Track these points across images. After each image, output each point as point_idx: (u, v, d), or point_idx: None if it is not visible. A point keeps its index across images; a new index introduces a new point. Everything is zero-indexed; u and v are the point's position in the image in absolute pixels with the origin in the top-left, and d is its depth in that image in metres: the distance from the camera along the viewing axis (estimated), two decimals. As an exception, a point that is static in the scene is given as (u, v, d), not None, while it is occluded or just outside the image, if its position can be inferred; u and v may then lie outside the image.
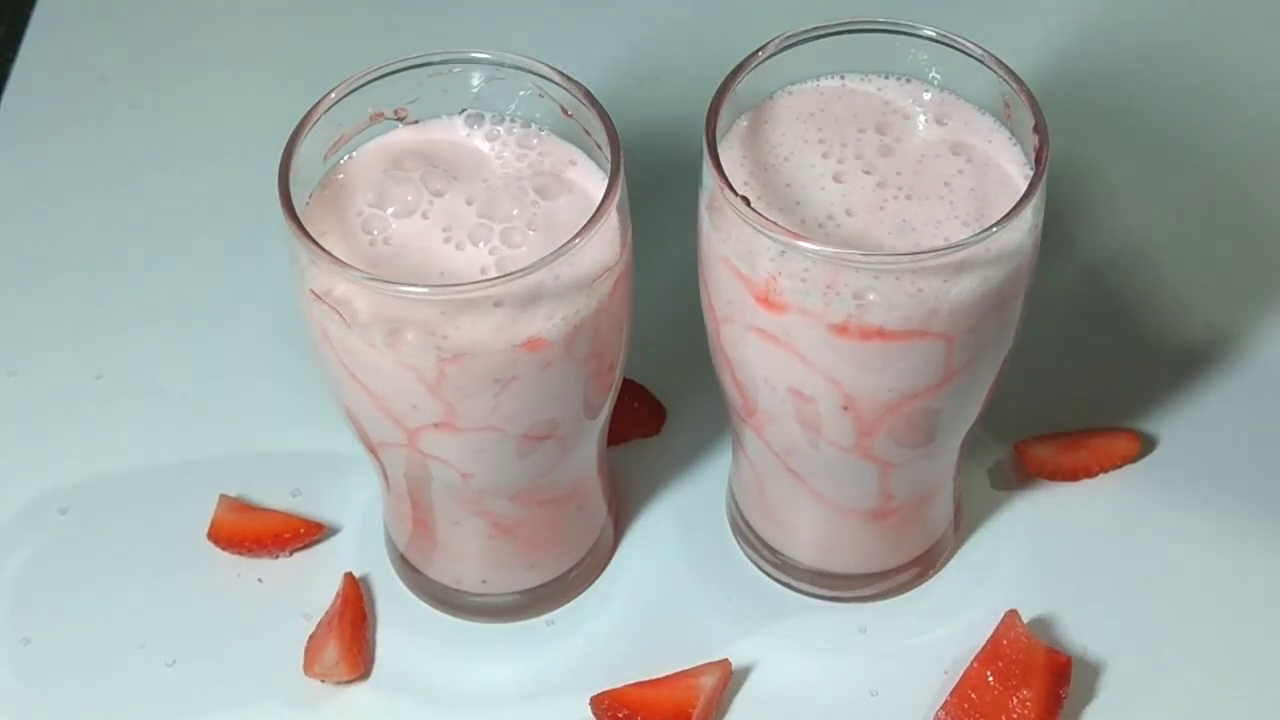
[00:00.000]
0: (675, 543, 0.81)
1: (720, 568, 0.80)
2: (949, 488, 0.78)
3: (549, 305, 0.65)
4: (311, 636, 0.77)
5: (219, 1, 1.09)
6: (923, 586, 0.79)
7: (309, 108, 0.68)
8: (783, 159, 0.69)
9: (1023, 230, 0.65)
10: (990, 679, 0.73)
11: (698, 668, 0.75)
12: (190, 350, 0.89)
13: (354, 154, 0.70)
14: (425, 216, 0.68)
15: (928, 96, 0.70)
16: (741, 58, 0.68)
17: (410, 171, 0.69)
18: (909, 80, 0.71)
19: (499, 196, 0.69)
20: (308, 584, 0.79)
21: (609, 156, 0.66)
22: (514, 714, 0.75)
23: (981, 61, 0.68)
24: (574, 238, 0.63)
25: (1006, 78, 0.67)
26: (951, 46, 0.69)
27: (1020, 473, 0.83)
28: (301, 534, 0.80)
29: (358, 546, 0.81)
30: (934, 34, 0.69)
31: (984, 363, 0.69)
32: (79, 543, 0.81)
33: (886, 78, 0.71)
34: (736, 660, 0.76)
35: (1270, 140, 0.97)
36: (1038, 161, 0.66)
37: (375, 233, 0.68)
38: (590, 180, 0.69)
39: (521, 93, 0.71)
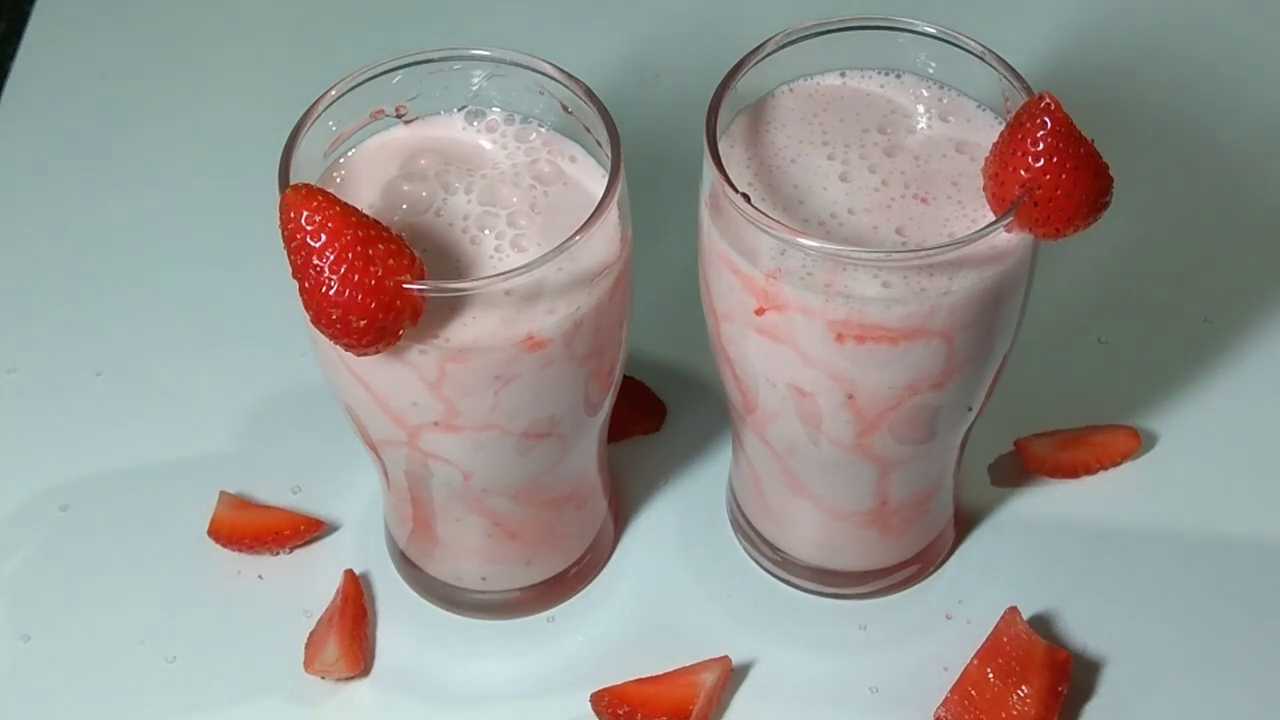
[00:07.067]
0: (675, 539, 0.81)
1: (720, 564, 0.80)
2: (949, 485, 0.77)
3: (549, 303, 0.65)
4: (312, 633, 0.77)
5: (219, -3, 1.10)
6: (923, 583, 0.79)
7: (309, 105, 0.68)
8: (789, 160, 0.69)
9: (1023, 228, 0.65)
10: (990, 676, 0.73)
11: (698, 664, 0.75)
12: (190, 347, 0.89)
13: (354, 151, 0.70)
14: (438, 214, 0.68)
15: (928, 94, 0.70)
16: (742, 55, 0.68)
17: (424, 169, 0.69)
18: (909, 77, 0.71)
19: (501, 191, 0.69)
20: (308, 581, 0.79)
21: (609, 153, 0.66)
22: (514, 711, 0.75)
23: (981, 58, 0.68)
24: (574, 235, 0.63)
25: (1006, 74, 0.67)
26: (951, 43, 0.69)
27: (1020, 470, 0.83)
28: (302, 531, 0.80)
29: (358, 543, 0.81)
30: (934, 31, 0.69)
31: (984, 360, 0.69)
32: (79, 539, 0.81)
33: (887, 75, 0.71)
34: (737, 657, 0.76)
35: (1270, 138, 0.97)
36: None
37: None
38: (590, 177, 0.69)
39: (521, 89, 0.70)
